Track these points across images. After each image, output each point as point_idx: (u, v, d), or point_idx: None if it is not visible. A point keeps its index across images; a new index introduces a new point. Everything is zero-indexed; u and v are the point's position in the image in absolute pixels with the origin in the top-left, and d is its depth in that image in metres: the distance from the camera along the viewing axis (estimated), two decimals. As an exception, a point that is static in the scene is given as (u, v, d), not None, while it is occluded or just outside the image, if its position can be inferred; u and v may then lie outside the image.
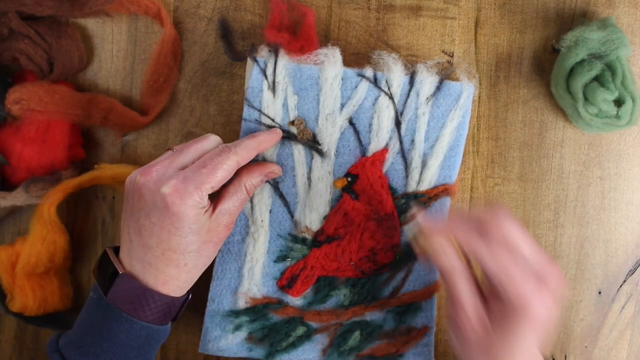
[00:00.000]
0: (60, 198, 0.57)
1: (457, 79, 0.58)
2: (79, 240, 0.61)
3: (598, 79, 0.56)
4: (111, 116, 0.58)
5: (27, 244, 0.56)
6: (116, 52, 0.60)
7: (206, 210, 0.50)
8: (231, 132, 0.59)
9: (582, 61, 0.56)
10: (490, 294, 0.48)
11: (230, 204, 0.52)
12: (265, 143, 0.54)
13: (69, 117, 0.57)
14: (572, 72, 0.57)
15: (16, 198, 0.56)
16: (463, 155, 0.60)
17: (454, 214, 0.51)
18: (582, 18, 0.59)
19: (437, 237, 0.48)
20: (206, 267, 0.52)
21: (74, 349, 0.49)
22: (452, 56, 0.60)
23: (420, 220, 0.51)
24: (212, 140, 0.52)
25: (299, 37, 0.57)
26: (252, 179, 0.53)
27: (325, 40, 0.60)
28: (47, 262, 0.57)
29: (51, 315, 0.59)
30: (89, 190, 0.61)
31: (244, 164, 0.52)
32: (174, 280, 0.50)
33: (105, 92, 0.60)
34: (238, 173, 0.52)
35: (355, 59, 0.59)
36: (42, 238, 0.56)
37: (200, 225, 0.49)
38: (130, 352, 0.49)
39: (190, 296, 0.53)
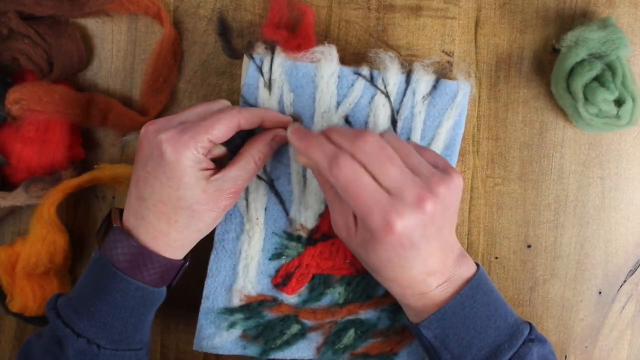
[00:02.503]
0: (60, 198, 0.57)
1: (453, 78, 0.58)
2: (79, 240, 0.61)
3: (598, 79, 0.56)
4: (111, 116, 0.58)
5: (27, 244, 0.56)
6: (116, 52, 0.60)
7: (204, 169, 0.49)
8: (231, 132, 0.60)
9: (582, 61, 0.56)
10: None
11: (236, 172, 0.50)
12: (272, 116, 0.53)
13: (68, 117, 0.57)
14: (572, 72, 0.57)
15: (16, 198, 0.56)
16: (463, 155, 0.60)
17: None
18: (582, 18, 0.59)
19: (303, 140, 0.50)
20: (201, 233, 0.51)
21: (70, 307, 0.50)
22: (452, 56, 0.60)
23: (290, 136, 0.51)
24: (221, 103, 0.53)
25: (297, 36, 0.57)
26: (260, 149, 0.52)
27: (326, 40, 0.60)
28: (47, 263, 0.57)
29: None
30: (89, 190, 0.61)
31: (246, 127, 0.51)
32: (163, 236, 0.49)
33: (105, 92, 0.60)
34: (246, 146, 0.52)
35: (355, 59, 0.59)
36: (42, 238, 0.56)
37: (194, 180, 0.48)
38: (124, 313, 0.49)
39: (187, 263, 0.53)
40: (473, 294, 0.50)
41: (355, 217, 0.49)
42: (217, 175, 0.50)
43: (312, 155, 0.48)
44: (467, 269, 0.51)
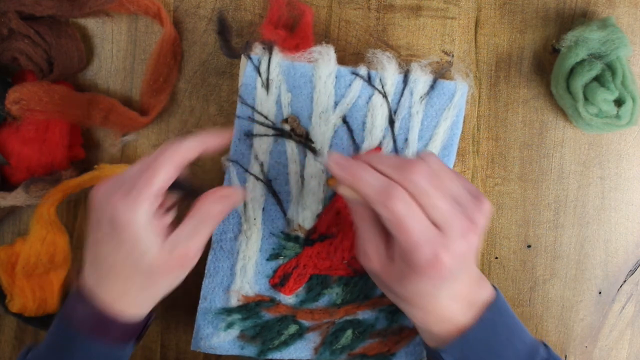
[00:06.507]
0: (60, 198, 0.57)
1: (451, 78, 0.58)
2: (78, 241, 0.61)
3: (598, 79, 0.56)
4: (111, 116, 0.58)
5: (27, 245, 0.56)
6: (116, 52, 0.60)
7: (159, 228, 0.46)
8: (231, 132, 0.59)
9: (582, 61, 0.56)
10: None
11: (190, 229, 0.47)
12: (212, 140, 0.49)
13: (68, 117, 0.57)
14: (572, 72, 0.57)
15: (16, 198, 0.56)
16: (463, 155, 0.60)
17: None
18: (582, 18, 0.59)
19: (343, 171, 0.46)
20: (165, 291, 0.49)
21: None
22: (452, 56, 0.60)
23: (331, 166, 0.47)
24: (161, 147, 0.47)
25: (295, 36, 0.57)
26: (214, 201, 0.48)
27: (326, 40, 0.60)
28: (47, 263, 0.57)
29: (51, 316, 0.59)
30: (89, 190, 0.61)
31: (190, 159, 0.47)
32: (124, 297, 0.47)
33: (105, 92, 0.60)
34: (200, 200, 0.48)
35: (355, 59, 0.59)
36: (42, 238, 0.56)
37: (148, 242, 0.46)
38: None
39: (153, 316, 0.51)
40: (494, 317, 0.49)
41: (388, 247, 0.48)
42: (172, 236, 0.47)
43: (360, 187, 0.45)
44: (486, 292, 0.50)
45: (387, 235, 0.47)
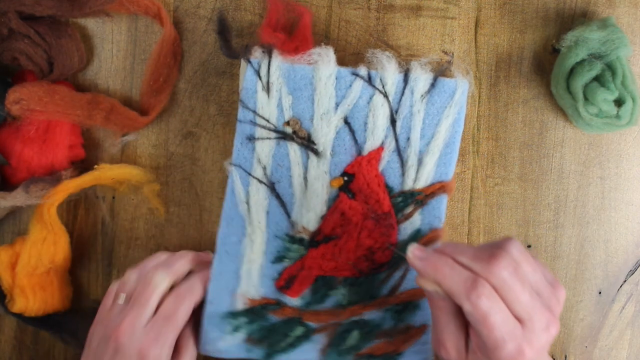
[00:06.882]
0: (60, 198, 0.57)
1: (451, 76, 0.57)
2: (79, 240, 0.61)
3: (598, 79, 0.56)
4: (111, 116, 0.58)
5: (27, 245, 0.56)
6: (116, 52, 0.60)
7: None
8: (231, 132, 0.59)
9: (582, 61, 0.56)
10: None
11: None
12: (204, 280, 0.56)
13: (69, 117, 0.57)
14: (572, 72, 0.57)
15: (16, 198, 0.56)
16: (463, 155, 0.60)
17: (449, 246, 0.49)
18: (582, 18, 0.59)
19: (426, 266, 0.47)
20: None
21: None
22: (452, 56, 0.60)
23: (412, 259, 0.48)
24: (161, 279, 0.53)
25: (294, 38, 0.57)
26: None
27: (326, 40, 0.60)
28: (47, 263, 0.57)
29: (51, 316, 0.59)
30: (89, 190, 0.61)
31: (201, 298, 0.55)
32: None
33: (105, 92, 0.60)
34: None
35: (355, 59, 0.59)
36: (42, 238, 0.56)
37: None
38: None
39: None
40: None
41: (466, 338, 0.48)
42: None
43: (444, 283, 0.45)
44: None
45: (465, 326, 0.47)
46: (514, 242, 0.46)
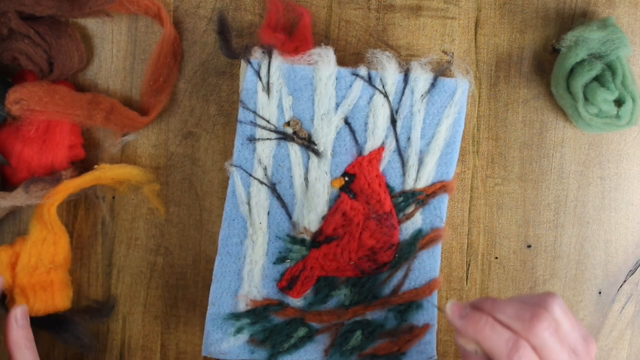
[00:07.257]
0: (60, 198, 0.57)
1: (451, 76, 0.58)
2: (79, 240, 0.61)
3: (598, 79, 0.56)
4: (111, 116, 0.58)
5: (27, 245, 0.56)
6: (116, 52, 0.60)
7: None
8: (231, 132, 0.60)
9: (582, 61, 0.56)
10: None
11: None
12: None
13: (69, 117, 0.57)
14: (572, 72, 0.57)
15: (16, 198, 0.56)
16: (463, 155, 0.60)
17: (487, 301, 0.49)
18: (582, 18, 0.59)
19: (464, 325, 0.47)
20: None
21: None
22: (452, 56, 0.60)
23: (450, 316, 0.48)
24: None
25: (294, 38, 0.57)
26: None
27: (326, 40, 0.60)
28: (47, 263, 0.57)
29: (51, 317, 0.59)
30: (89, 190, 0.61)
31: None
32: None
33: (105, 92, 0.60)
34: None
35: (355, 59, 0.59)
36: (42, 239, 0.56)
37: None
38: None
39: None
40: None
41: None
42: None
43: (484, 343, 0.45)
44: None
45: None
46: (556, 300, 0.46)
